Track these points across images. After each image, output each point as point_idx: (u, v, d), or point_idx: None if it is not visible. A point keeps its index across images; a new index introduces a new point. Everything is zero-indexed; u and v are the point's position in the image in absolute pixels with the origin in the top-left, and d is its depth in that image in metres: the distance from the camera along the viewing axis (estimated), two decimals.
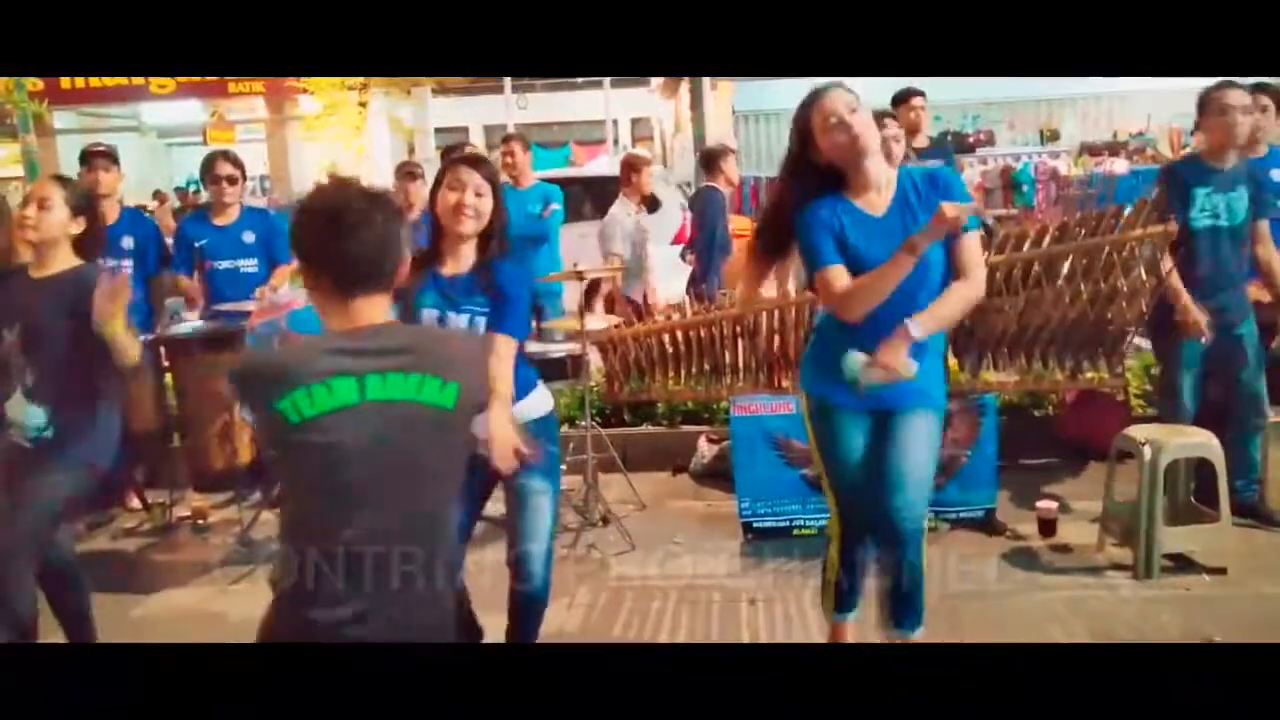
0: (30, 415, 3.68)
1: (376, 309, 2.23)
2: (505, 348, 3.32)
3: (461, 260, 3.43)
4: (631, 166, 7.60)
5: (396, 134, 18.39)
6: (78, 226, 3.80)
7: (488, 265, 3.40)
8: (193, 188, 16.76)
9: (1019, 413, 6.11)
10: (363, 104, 16.01)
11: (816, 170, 3.32)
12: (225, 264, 6.00)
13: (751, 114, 19.86)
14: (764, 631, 4.20)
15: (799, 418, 5.06)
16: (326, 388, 2.10)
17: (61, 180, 3.88)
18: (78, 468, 3.74)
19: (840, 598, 3.62)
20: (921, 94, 6.45)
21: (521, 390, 3.42)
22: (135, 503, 6.06)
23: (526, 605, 3.49)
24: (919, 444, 3.36)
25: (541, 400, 3.58)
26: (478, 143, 20.39)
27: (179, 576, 5.14)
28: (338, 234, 2.19)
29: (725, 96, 17.92)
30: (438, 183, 3.43)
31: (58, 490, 3.69)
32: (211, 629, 4.31)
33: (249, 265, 6.01)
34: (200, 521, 5.90)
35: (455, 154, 3.66)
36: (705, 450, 6.14)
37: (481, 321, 3.38)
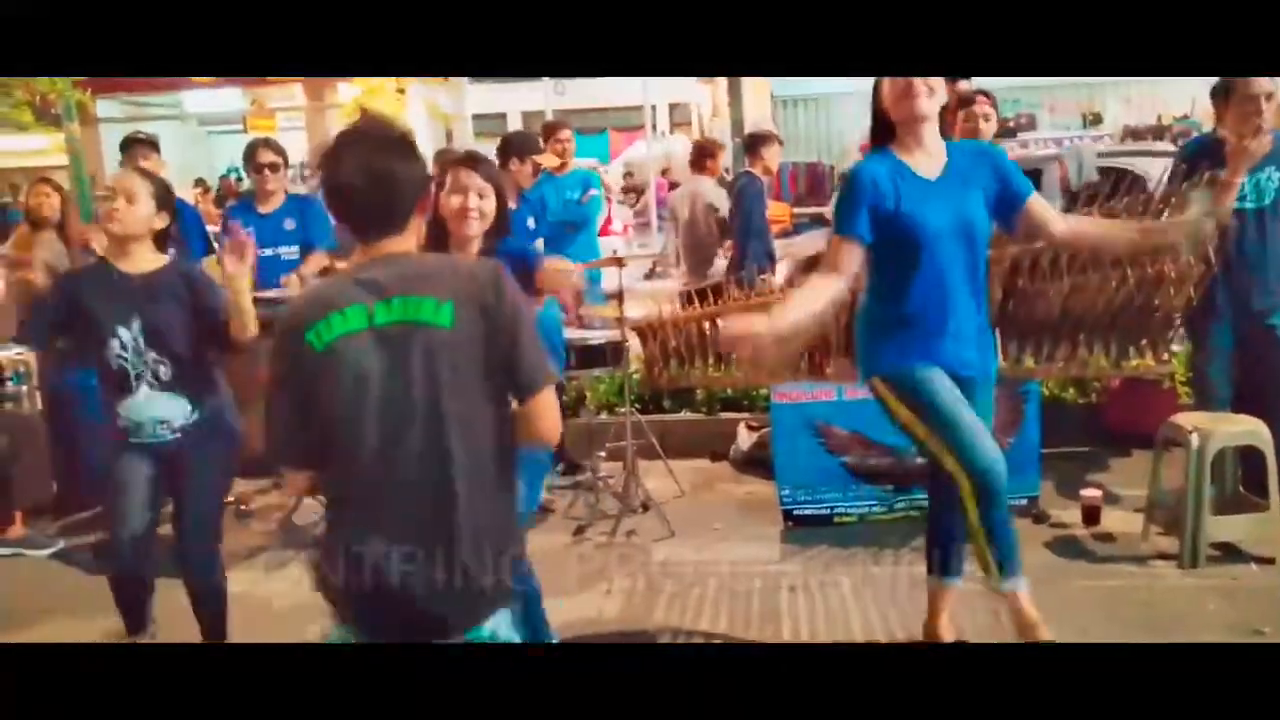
0: (176, 407, 3.74)
1: (398, 245, 2.35)
2: None
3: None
4: (707, 151, 8.01)
5: (435, 121, 18.43)
6: (162, 221, 3.82)
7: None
8: (234, 175, 16.87)
9: (1062, 400, 6.04)
10: (401, 91, 16.04)
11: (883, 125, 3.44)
12: (267, 251, 6.00)
13: (791, 99, 19.78)
14: (804, 620, 4.17)
15: (840, 405, 5.09)
16: (342, 315, 2.24)
17: (145, 174, 3.88)
18: (230, 444, 3.89)
19: (1003, 559, 3.48)
20: (966, 78, 6.24)
21: None
22: None
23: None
24: (984, 415, 3.44)
25: None
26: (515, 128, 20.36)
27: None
28: (350, 179, 2.30)
29: (764, 82, 17.84)
30: (438, 185, 3.37)
31: (223, 470, 3.92)
32: (255, 615, 4.33)
33: (290, 253, 6.02)
34: (243, 507, 5.94)
35: (450, 156, 3.64)
36: (745, 437, 6.12)
37: None
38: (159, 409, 3.73)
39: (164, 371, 3.71)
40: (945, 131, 3.46)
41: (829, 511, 5.13)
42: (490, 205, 3.36)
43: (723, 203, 7.97)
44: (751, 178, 7.46)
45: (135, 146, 6.25)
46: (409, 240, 2.38)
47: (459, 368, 2.26)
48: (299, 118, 19.00)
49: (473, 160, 3.45)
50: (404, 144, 2.36)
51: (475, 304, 2.29)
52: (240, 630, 4.06)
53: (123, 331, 3.68)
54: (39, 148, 18.35)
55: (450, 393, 2.25)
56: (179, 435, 3.75)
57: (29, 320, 3.92)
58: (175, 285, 3.75)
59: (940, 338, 3.40)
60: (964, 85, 5.78)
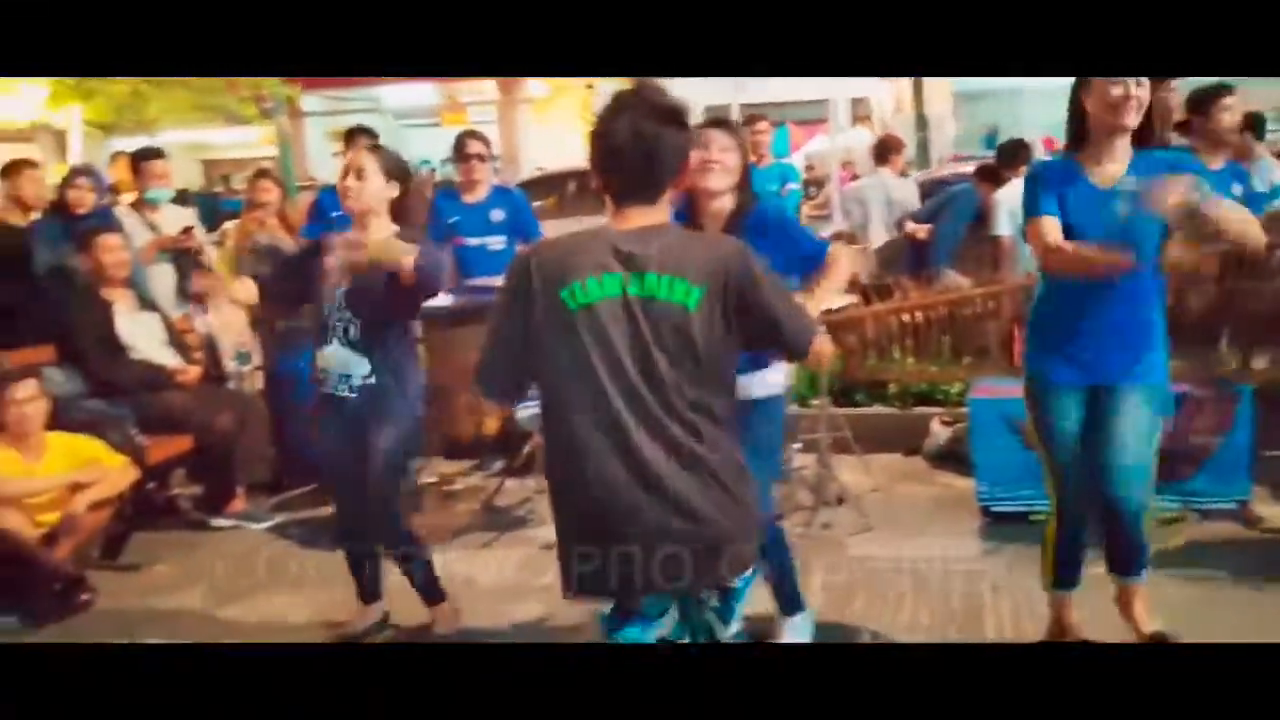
0: (356, 365, 3.91)
1: (651, 216, 2.43)
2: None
3: (718, 220, 3.51)
4: (892, 147, 8.16)
5: None
6: (393, 193, 3.99)
7: (740, 222, 3.47)
8: (426, 168, 17.35)
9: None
10: (589, 86, 16.26)
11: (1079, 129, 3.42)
12: (474, 241, 6.17)
13: (972, 94, 19.33)
14: (1008, 618, 4.10)
15: None
16: (599, 281, 2.35)
17: (376, 149, 4.06)
18: (409, 414, 4.04)
19: (1059, 574, 3.69)
20: (1231, 91, 5.21)
21: (754, 365, 3.45)
22: None
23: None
24: (1139, 422, 3.42)
25: (773, 377, 3.60)
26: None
27: (429, 539, 5.34)
28: (609, 147, 2.41)
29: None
30: None
31: (400, 436, 4.01)
32: (460, 595, 4.48)
33: (496, 243, 6.16)
34: (446, 488, 6.13)
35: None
36: (939, 432, 6.03)
37: None
38: (342, 363, 3.93)
39: (353, 330, 3.90)
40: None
41: (1027, 508, 4.93)
42: (733, 160, 3.48)
43: (912, 199, 7.91)
44: (972, 192, 7.38)
45: (356, 137, 6.59)
46: (661, 213, 2.46)
47: (696, 347, 2.36)
48: (491, 111, 19.45)
49: (715, 122, 3.57)
50: (674, 114, 2.43)
51: (726, 289, 2.38)
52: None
53: (338, 291, 3.91)
54: (245, 140, 19.35)
55: (682, 371, 2.36)
56: (356, 394, 3.93)
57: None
58: None
59: (1083, 346, 3.41)
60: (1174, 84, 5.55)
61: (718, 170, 3.45)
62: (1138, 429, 3.41)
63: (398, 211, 4.02)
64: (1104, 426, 3.43)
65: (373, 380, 3.93)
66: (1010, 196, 6.37)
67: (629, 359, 2.34)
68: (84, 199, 6.18)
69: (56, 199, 6.50)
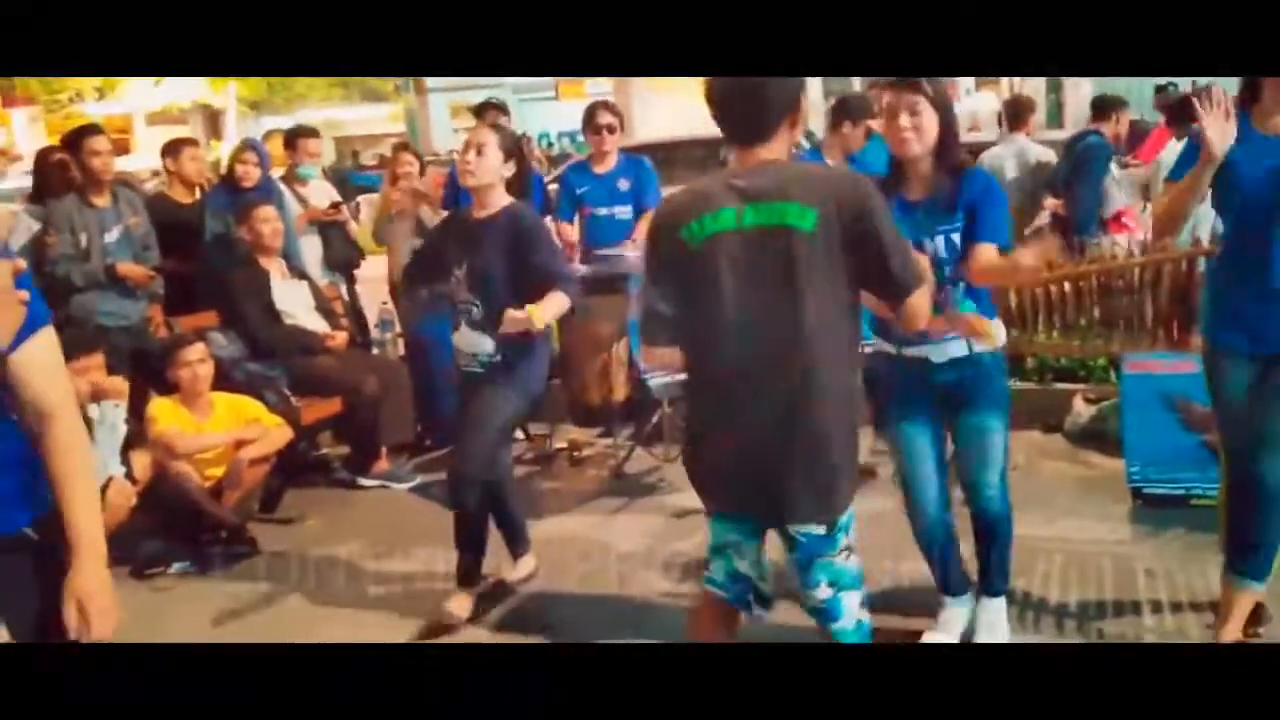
0: (481, 344, 4.03)
1: (767, 154, 2.61)
2: (986, 256, 3.25)
3: (925, 184, 3.34)
4: (1024, 108, 7.85)
5: None
6: (509, 170, 4.09)
7: (955, 181, 3.32)
8: (544, 142, 17.49)
9: None
10: None
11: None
12: (602, 211, 6.24)
13: None
14: (1167, 605, 3.98)
15: (1201, 378, 4.78)
16: (714, 216, 2.54)
17: (495, 127, 4.18)
18: (521, 390, 4.13)
19: (1232, 560, 3.48)
20: None
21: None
22: (518, 432, 6.47)
23: (992, 529, 3.59)
24: None
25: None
26: (816, 94, 20.12)
27: (559, 504, 5.50)
28: (724, 87, 2.60)
29: None
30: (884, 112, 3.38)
31: (508, 410, 4.13)
32: (595, 558, 4.61)
33: (623, 212, 6.21)
34: (576, 454, 6.22)
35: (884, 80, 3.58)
36: (1082, 409, 5.87)
37: (956, 240, 3.31)
38: (471, 344, 4.06)
39: (475, 312, 4.01)
40: None
41: (1185, 492, 4.81)
42: (927, 122, 3.25)
43: (1050, 163, 7.69)
44: (1102, 139, 7.13)
45: (488, 110, 6.70)
46: (778, 149, 2.62)
47: (816, 269, 2.48)
48: (608, 85, 19.54)
49: (908, 84, 3.32)
50: None
51: (841, 212, 2.49)
52: (576, 571, 4.43)
53: (457, 271, 4.02)
54: (373, 117, 19.76)
55: (805, 292, 2.48)
56: (485, 370, 4.05)
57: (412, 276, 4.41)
58: (501, 231, 3.99)
59: (1251, 313, 3.26)
60: None
61: (910, 138, 3.24)
62: None
63: (511, 187, 4.12)
64: (1269, 397, 3.27)
65: (498, 358, 4.04)
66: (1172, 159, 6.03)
67: (747, 287, 2.50)
68: (250, 173, 6.44)
69: (227, 172, 6.78)
